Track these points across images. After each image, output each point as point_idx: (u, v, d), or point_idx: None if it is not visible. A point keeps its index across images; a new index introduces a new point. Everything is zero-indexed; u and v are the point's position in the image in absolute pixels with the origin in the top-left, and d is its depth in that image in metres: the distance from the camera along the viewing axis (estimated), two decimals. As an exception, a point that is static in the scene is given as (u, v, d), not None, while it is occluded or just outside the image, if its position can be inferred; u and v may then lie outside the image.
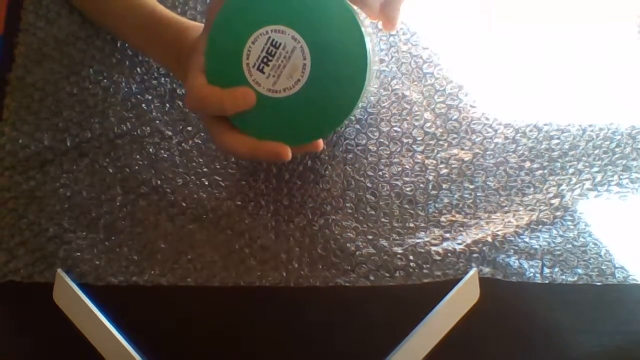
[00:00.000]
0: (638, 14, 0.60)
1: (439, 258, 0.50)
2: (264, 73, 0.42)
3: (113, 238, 0.51)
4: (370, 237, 0.51)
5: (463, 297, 0.48)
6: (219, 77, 0.42)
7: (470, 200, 0.53)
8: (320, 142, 0.44)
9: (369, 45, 0.43)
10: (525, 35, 0.60)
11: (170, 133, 0.55)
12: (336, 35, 0.42)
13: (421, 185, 0.53)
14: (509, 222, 0.52)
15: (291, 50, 0.42)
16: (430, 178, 0.54)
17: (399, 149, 0.54)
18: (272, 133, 0.43)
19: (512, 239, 0.51)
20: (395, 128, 0.55)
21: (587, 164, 0.54)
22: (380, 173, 0.53)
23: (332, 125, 0.44)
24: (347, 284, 0.49)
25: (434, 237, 0.51)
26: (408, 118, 0.55)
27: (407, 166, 0.54)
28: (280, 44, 0.42)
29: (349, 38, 0.42)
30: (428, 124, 0.56)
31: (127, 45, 0.58)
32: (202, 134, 0.55)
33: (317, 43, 0.42)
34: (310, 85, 0.42)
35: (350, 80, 0.42)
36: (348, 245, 0.51)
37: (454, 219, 0.52)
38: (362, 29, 0.42)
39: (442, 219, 0.52)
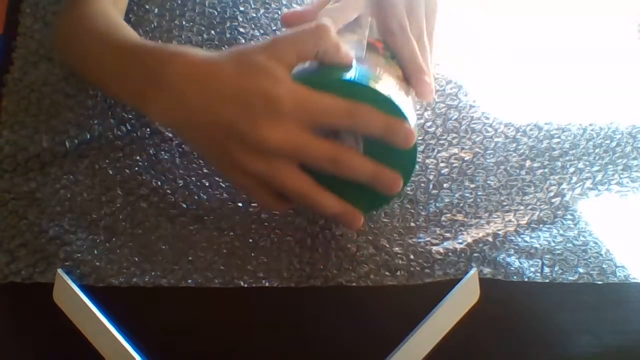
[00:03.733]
0: (638, 13, 0.60)
1: (439, 257, 0.50)
2: None
3: (113, 239, 0.51)
4: (371, 237, 0.51)
5: (463, 297, 0.48)
6: None
7: (471, 200, 0.53)
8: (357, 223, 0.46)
9: (417, 147, 0.44)
10: (525, 35, 0.60)
11: (170, 134, 0.55)
12: None
13: (422, 184, 0.53)
14: (510, 221, 0.52)
15: (345, 138, 0.44)
16: (431, 177, 0.54)
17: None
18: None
19: (513, 238, 0.51)
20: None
21: (587, 163, 0.55)
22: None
23: (371, 207, 0.49)
24: (348, 284, 0.49)
25: (435, 236, 0.51)
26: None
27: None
28: (339, 132, 0.44)
29: None
30: (428, 124, 0.56)
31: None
32: (202, 135, 0.55)
33: (369, 139, 0.43)
34: None
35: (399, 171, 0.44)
36: (349, 245, 0.51)
37: (454, 218, 0.52)
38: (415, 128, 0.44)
39: (443, 218, 0.52)
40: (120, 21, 0.53)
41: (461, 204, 0.53)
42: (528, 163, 0.55)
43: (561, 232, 0.52)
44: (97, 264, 0.50)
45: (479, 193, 0.53)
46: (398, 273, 0.50)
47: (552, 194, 0.53)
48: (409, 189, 0.53)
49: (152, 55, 0.46)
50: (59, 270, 0.48)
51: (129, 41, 0.49)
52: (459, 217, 0.52)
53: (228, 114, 0.41)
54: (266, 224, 0.52)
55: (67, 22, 0.54)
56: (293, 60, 0.42)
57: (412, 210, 0.52)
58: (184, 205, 0.52)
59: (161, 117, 0.45)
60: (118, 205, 0.52)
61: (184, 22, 0.61)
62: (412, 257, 0.50)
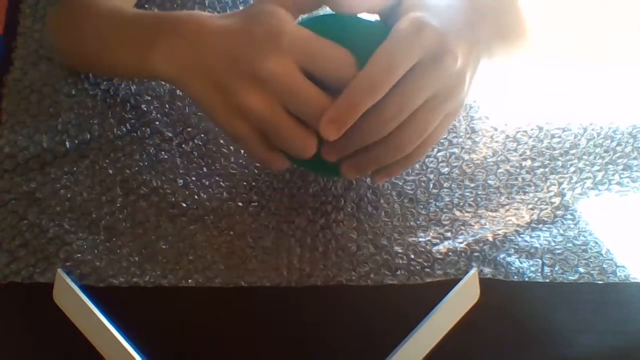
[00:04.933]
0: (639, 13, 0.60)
1: (440, 257, 0.50)
2: None
3: (114, 239, 0.51)
4: (371, 236, 0.51)
5: (463, 297, 0.48)
6: None
7: (471, 199, 0.53)
8: None
9: None
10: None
11: (170, 134, 0.55)
12: None
13: (422, 183, 0.53)
14: (510, 220, 0.52)
15: None
16: (431, 177, 0.54)
17: (399, 148, 0.54)
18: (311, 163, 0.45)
19: (513, 237, 0.51)
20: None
21: (587, 162, 0.55)
22: (381, 172, 0.53)
23: None
24: (348, 283, 0.49)
25: (435, 235, 0.51)
26: (408, 117, 0.55)
27: (407, 165, 0.54)
28: None
29: None
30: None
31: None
32: (203, 135, 0.55)
33: None
34: None
35: None
36: (349, 244, 0.51)
37: (455, 217, 0.52)
38: None
39: (443, 217, 0.52)
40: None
41: (461, 204, 0.53)
42: (528, 162, 0.55)
43: (561, 231, 0.52)
44: (98, 264, 0.50)
45: (479, 192, 0.53)
46: (398, 272, 0.50)
47: (552, 193, 0.53)
48: (409, 187, 0.53)
49: (167, 14, 0.48)
50: (59, 270, 0.48)
51: (137, 9, 0.51)
52: (459, 216, 0.52)
53: (234, 51, 0.43)
54: (266, 223, 0.52)
55: (68, 4, 0.54)
56: (291, 5, 0.43)
57: (413, 210, 0.52)
58: (184, 205, 0.52)
59: (166, 62, 0.46)
60: (118, 205, 0.52)
61: (184, 22, 0.61)
62: (412, 256, 0.50)
